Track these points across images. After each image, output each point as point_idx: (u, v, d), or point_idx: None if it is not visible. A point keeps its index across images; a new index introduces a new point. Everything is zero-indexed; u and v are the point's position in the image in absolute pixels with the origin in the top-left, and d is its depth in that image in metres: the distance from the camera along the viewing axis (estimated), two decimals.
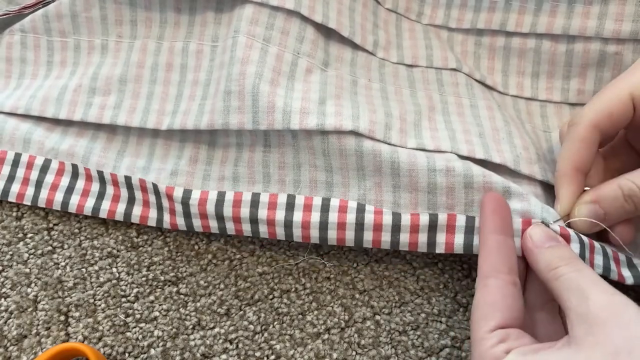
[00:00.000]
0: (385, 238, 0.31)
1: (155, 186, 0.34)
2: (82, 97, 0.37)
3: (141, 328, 0.31)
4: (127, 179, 0.35)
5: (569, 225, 0.29)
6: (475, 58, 0.39)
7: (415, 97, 0.35)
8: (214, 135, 0.35)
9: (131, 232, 0.35)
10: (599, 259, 0.29)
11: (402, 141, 0.32)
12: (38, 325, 0.32)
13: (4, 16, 0.41)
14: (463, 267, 0.33)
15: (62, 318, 0.32)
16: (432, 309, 0.31)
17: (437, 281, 0.32)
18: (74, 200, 0.35)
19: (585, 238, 0.29)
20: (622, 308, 0.22)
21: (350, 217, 0.31)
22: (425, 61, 0.38)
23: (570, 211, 0.29)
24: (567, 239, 0.28)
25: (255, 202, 0.32)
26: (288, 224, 0.31)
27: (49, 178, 0.36)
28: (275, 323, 0.31)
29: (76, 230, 0.35)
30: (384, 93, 0.35)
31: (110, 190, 0.35)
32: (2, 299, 0.32)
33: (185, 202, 0.33)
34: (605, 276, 0.28)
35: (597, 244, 0.29)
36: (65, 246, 0.34)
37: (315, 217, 0.31)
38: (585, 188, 0.29)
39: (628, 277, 0.29)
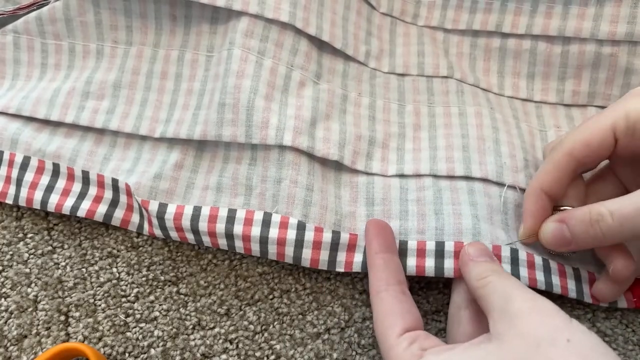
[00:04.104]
0: (357, 259, 0.31)
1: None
2: (75, 100, 0.37)
3: (141, 328, 0.31)
4: (114, 182, 0.34)
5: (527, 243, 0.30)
6: (470, 60, 0.39)
7: (402, 115, 0.37)
8: (203, 144, 0.36)
9: (131, 232, 0.35)
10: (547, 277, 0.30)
11: (382, 169, 0.34)
12: (38, 325, 0.32)
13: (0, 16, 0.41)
14: None
15: (62, 318, 0.32)
16: (431, 307, 0.32)
17: (436, 280, 0.32)
18: (53, 199, 0.35)
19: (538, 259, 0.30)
20: (542, 304, 0.23)
21: (326, 237, 0.31)
22: (416, 69, 0.38)
23: (534, 229, 0.30)
24: (531, 262, 0.30)
25: (231, 219, 0.32)
26: (264, 240, 0.31)
27: (29, 176, 0.36)
28: (275, 323, 0.31)
29: (76, 230, 0.35)
30: (372, 111, 0.36)
31: (92, 191, 0.35)
32: (2, 299, 0.32)
33: (160, 217, 0.33)
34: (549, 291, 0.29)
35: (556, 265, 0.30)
36: (65, 246, 0.34)
37: (291, 234, 0.31)
38: (564, 208, 0.29)
39: (571, 290, 0.30)
